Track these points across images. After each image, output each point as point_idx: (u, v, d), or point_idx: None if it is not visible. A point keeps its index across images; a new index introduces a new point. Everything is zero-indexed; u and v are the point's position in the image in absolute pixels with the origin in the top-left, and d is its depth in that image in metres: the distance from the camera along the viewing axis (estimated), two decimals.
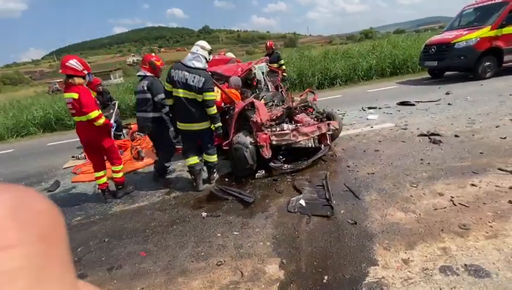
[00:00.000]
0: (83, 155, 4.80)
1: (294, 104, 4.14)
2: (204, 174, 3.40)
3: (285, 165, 3.33)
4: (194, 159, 3.17)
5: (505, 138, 3.38)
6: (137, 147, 4.76)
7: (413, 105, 5.48)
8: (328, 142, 3.54)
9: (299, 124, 3.61)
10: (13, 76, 71.54)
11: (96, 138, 3.06)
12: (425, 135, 3.81)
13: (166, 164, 3.60)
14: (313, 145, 3.56)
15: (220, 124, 3.17)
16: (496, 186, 2.45)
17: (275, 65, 6.86)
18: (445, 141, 3.56)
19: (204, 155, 3.27)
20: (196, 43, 3.13)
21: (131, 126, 5.83)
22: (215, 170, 3.41)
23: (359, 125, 4.76)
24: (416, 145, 3.56)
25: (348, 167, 3.25)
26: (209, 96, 2.95)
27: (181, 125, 3.09)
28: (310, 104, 4.19)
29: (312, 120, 3.85)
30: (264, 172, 3.35)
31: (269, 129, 3.36)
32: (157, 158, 3.77)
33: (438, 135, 3.75)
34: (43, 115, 9.77)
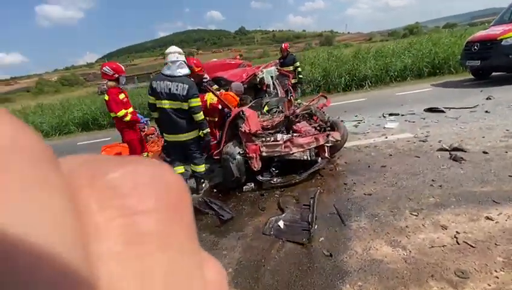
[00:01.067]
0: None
1: (297, 111, 3.89)
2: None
3: (275, 179, 3.12)
4: (180, 169, 3.13)
5: None
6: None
7: (443, 112, 4.81)
8: (326, 155, 3.23)
9: (294, 135, 3.36)
10: (70, 78, 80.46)
11: (122, 132, 3.65)
12: (446, 150, 3.28)
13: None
14: (309, 158, 3.27)
15: (208, 130, 3.11)
16: None
17: (290, 68, 6.57)
18: (469, 158, 3.02)
19: (192, 165, 3.20)
20: (169, 50, 2.99)
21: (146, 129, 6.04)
22: (203, 180, 3.32)
23: (373, 134, 4.30)
24: (431, 162, 3.08)
25: (345, 184, 2.92)
26: (194, 102, 2.90)
27: (168, 137, 3.06)
28: (313, 112, 3.89)
29: (313, 129, 3.57)
30: (253, 185, 3.18)
31: (260, 139, 3.18)
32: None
33: (462, 150, 3.20)
34: (82, 115, 10.72)
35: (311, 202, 2.62)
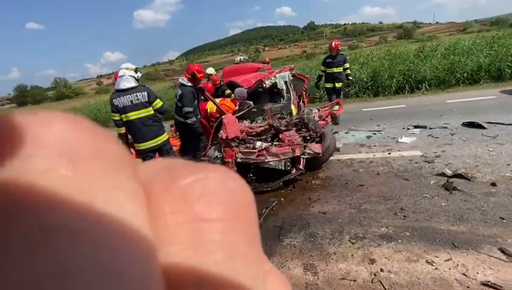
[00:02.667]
0: None
1: (292, 119, 3.87)
2: None
3: None
4: None
5: None
6: None
7: (483, 128, 3.99)
8: (301, 166, 3.17)
9: (275, 143, 3.39)
10: (154, 73, 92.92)
11: None
12: (445, 176, 2.81)
13: None
14: (283, 168, 3.26)
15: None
16: (464, 274, 1.67)
17: (340, 69, 5.85)
18: (468, 188, 2.54)
19: None
20: (121, 66, 3.16)
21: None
22: None
23: (378, 148, 3.91)
24: (416, 188, 2.70)
25: (310, 199, 2.85)
26: (158, 104, 3.15)
27: (141, 146, 3.20)
28: (306, 121, 3.80)
29: (298, 139, 3.52)
30: None
31: (239, 146, 3.33)
32: None
33: (466, 178, 2.69)
34: None
35: (263, 211, 2.68)
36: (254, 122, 4.25)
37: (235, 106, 4.38)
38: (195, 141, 3.90)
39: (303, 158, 3.20)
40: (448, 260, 1.79)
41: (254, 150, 3.23)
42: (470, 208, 2.26)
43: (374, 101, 8.20)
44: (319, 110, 5.06)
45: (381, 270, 1.79)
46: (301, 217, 2.55)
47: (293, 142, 3.35)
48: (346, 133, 4.94)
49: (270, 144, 3.40)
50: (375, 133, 4.64)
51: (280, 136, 3.59)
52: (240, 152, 3.25)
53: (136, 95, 3.04)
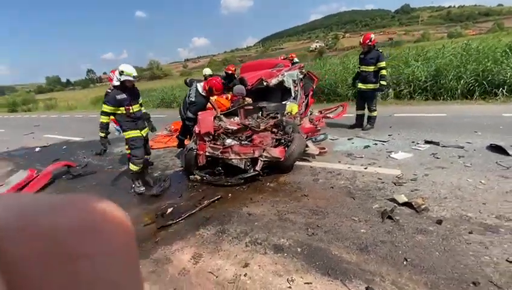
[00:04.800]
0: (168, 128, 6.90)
1: (269, 120, 3.94)
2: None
3: (207, 176, 3.55)
4: None
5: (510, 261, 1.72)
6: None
7: (508, 155, 3.21)
8: (257, 168, 3.30)
9: (243, 142, 3.58)
10: (230, 59, 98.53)
11: None
12: (395, 202, 2.52)
13: None
14: (243, 167, 3.41)
15: (100, 134, 3.33)
16: None
17: (370, 68, 4.92)
18: (405, 221, 2.27)
19: None
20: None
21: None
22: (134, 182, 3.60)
23: (361, 161, 3.62)
24: (355, 209, 2.54)
25: (251, 199, 3.00)
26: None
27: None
28: (284, 123, 3.81)
29: (269, 141, 3.62)
30: (197, 176, 3.71)
31: (211, 140, 3.65)
32: None
33: (415, 209, 2.38)
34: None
35: (205, 202, 2.98)
36: (248, 120, 4.46)
37: (232, 102, 4.63)
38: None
39: (261, 160, 3.32)
40: (308, 283, 1.78)
41: (220, 146, 3.51)
42: (384, 241, 2.07)
43: (417, 105, 7.16)
44: (321, 112, 4.87)
45: (245, 275, 1.92)
46: (230, 213, 2.76)
47: (256, 144, 3.48)
48: (349, 139, 4.64)
49: (238, 142, 3.61)
50: (376, 144, 4.24)
51: (254, 136, 3.74)
52: (209, 146, 3.58)
53: None
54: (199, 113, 3.86)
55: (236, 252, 2.18)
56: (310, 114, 4.68)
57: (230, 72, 5.69)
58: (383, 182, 2.96)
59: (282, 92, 5.13)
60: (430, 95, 8.22)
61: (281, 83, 4.92)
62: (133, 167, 3.51)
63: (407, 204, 2.46)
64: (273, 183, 3.31)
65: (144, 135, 3.57)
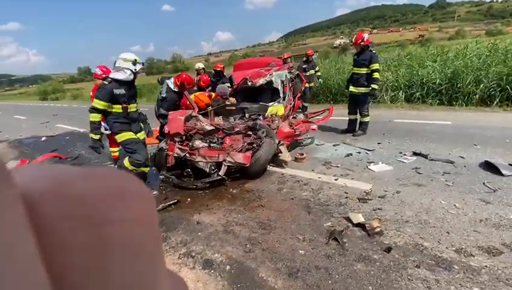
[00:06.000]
0: None
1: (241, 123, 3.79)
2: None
3: (173, 178, 3.48)
4: None
5: None
6: None
7: (500, 174, 2.84)
8: (220, 172, 3.18)
9: (212, 145, 3.47)
10: (251, 54, 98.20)
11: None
12: (351, 223, 2.30)
13: None
14: (208, 170, 3.30)
15: (91, 135, 2.95)
16: None
17: (362, 70, 4.59)
18: (352, 245, 2.05)
19: None
20: (119, 56, 2.97)
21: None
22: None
23: (335, 170, 3.38)
24: (304, 226, 2.34)
25: (207, 206, 2.88)
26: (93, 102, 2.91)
27: None
28: (258, 127, 3.64)
29: (239, 145, 3.48)
30: (163, 176, 3.62)
31: (180, 141, 3.57)
32: None
33: (368, 233, 2.15)
34: None
35: (161, 205, 2.92)
36: (228, 120, 4.35)
37: (212, 100, 4.51)
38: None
39: (225, 165, 3.19)
40: None
41: (186, 148, 3.43)
42: (319, 267, 1.88)
43: (424, 111, 6.65)
44: (307, 116, 4.64)
45: None
46: (180, 220, 2.67)
47: (224, 147, 3.36)
48: (334, 145, 4.37)
49: (207, 144, 3.51)
50: (360, 152, 3.95)
51: (225, 139, 3.62)
52: (177, 147, 3.51)
53: None
54: (170, 112, 3.79)
55: (167, 263, 2.08)
56: (294, 117, 4.45)
57: (218, 69, 5.57)
58: (347, 197, 2.72)
59: (272, 92, 4.95)
60: (445, 99, 7.61)
61: (270, 83, 4.74)
62: (128, 166, 3.16)
63: (361, 225, 2.23)
64: (236, 190, 3.18)
65: (142, 139, 3.24)
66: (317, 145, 4.47)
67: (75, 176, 0.11)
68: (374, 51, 4.52)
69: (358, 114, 4.80)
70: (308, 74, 6.41)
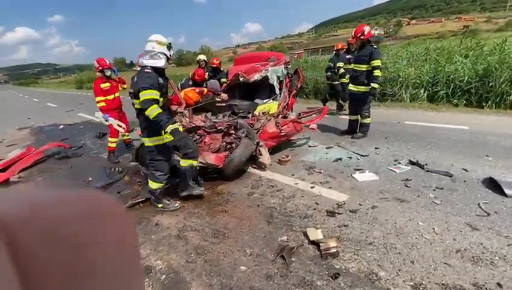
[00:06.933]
0: None
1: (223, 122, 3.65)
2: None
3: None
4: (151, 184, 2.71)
5: None
6: None
7: (504, 195, 2.41)
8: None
9: None
10: (278, 46, 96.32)
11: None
12: (307, 238, 2.08)
13: None
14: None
15: (171, 127, 2.36)
16: None
17: (363, 67, 4.16)
18: (299, 266, 1.85)
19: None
20: (150, 38, 2.43)
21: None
22: (155, 201, 2.73)
23: (315, 177, 3.13)
24: (258, 239, 2.17)
25: (180, 208, 2.82)
26: (142, 95, 2.33)
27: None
28: (238, 126, 3.48)
29: (217, 144, 3.36)
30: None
31: None
32: None
33: (321, 253, 1.93)
34: None
35: (130, 201, 2.90)
36: (217, 117, 4.24)
37: (203, 96, 4.40)
38: None
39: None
40: None
41: None
42: (255, 288, 1.71)
43: (444, 112, 6.00)
44: (299, 115, 4.36)
45: None
46: (141, 220, 2.63)
47: (202, 146, 3.26)
48: (327, 148, 4.08)
49: None
50: (351, 157, 3.64)
51: (205, 138, 3.52)
52: None
53: (135, 78, 2.57)
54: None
55: None
56: (285, 117, 4.20)
57: (214, 65, 5.45)
58: (315, 209, 2.49)
59: (270, 89, 4.74)
60: (473, 99, 6.80)
61: (266, 79, 4.53)
62: (153, 185, 2.66)
63: (315, 243, 2.01)
64: (208, 191, 3.07)
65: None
66: (310, 146, 4.20)
67: (52, 201, 0.11)
68: (375, 46, 4.07)
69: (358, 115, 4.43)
70: (351, 66, 5.42)
